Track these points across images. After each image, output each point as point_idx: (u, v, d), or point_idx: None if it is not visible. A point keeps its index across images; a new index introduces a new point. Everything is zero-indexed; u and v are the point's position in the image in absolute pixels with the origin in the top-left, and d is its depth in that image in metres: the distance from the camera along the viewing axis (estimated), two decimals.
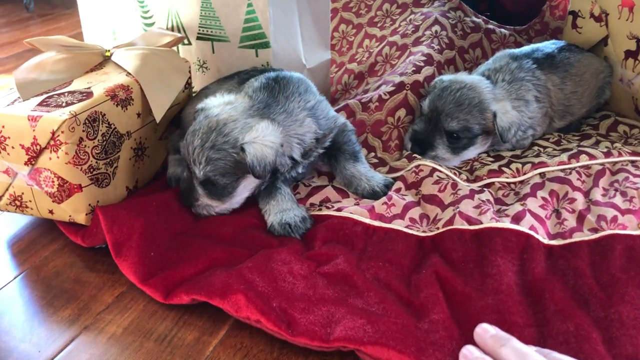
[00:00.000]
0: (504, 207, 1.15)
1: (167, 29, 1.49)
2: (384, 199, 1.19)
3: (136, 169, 1.28)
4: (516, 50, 1.48)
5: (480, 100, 1.30)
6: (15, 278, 1.10)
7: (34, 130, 1.08)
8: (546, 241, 1.06)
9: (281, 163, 1.15)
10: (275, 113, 1.14)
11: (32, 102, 1.14)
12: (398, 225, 1.13)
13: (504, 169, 1.28)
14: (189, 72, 1.39)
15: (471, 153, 1.36)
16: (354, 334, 0.85)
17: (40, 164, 1.11)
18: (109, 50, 1.35)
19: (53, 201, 1.14)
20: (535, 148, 1.37)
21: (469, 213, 1.12)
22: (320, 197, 1.23)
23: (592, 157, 1.27)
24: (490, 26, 1.75)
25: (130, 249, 1.05)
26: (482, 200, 1.15)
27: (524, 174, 1.26)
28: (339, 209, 1.17)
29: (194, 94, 1.44)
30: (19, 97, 1.16)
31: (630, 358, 0.82)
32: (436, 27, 1.65)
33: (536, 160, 1.29)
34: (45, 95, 1.17)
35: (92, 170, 1.14)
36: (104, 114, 1.15)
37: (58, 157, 1.09)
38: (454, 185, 1.21)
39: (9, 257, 1.16)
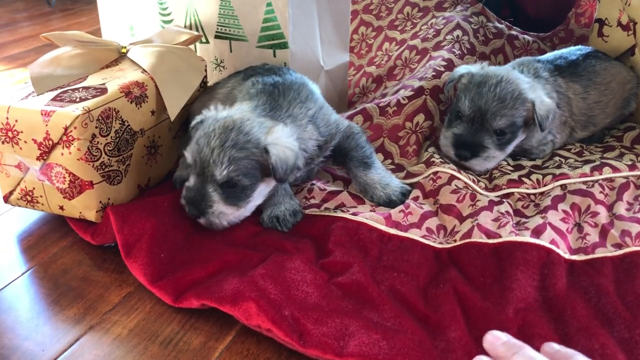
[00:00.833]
0: (523, 220, 1.12)
1: (185, 26, 1.48)
2: (400, 206, 1.16)
3: (149, 167, 1.26)
4: (539, 57, 1.44)
5: (520, 92, 1.25)
6: (23, 274, 1.08)
7: (46, 125, 1.07)
8: (567, 256, 1.02)
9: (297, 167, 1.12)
10: (282, 117, 1.11)
11: (46, 96, 1.13)
12: (414, 234, 1.10)
13: (524, 179, 1.25)
14: (205, 70, 1.38)
15: (513, 146, 1.31)
16: (369, 350, 0.82)
17: (52, 159, 1.10)
18: (125, 47, 1.34)
19: (64, 197, 1.13)
20: (557, 159, 1.33)
21: (487, 226, 1.08)
22: (335, 203, 1.21)
23: (615, 169, 1.23)
24: (514, 32, 1.71)
25: (140, 250, 1.03)
26: (501, 213, 1.12)
27: (545, 185, 1.22)
28: (355, 214, 1.14)
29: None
30: (33, 92, 1.15)
31: None
32: (458, 32, 1.62)
33: (557, 171, 1.25)
34: (59, 90, 1.15)
35: (104, 167, 1.12)
36: (118, 111, 1.14)
37: (70, 153, 1.08)
38: (473, 196, 1.18)
39: (18, 252, 1.15)
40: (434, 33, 1.64)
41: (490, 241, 1.05)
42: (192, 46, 1.49)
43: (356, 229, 1.10)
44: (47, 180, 1.13)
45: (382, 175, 1.23)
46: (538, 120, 1.25)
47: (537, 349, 0.75)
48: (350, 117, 1.41)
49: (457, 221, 1.13)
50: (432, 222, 1.13)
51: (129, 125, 1.17)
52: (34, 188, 1.15)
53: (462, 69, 1.35)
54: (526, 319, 0.87)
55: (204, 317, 0.96)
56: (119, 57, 1.33)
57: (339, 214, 1.15)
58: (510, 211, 1.14)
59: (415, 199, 1.20)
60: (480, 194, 1.20)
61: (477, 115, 1.26)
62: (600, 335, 0.84)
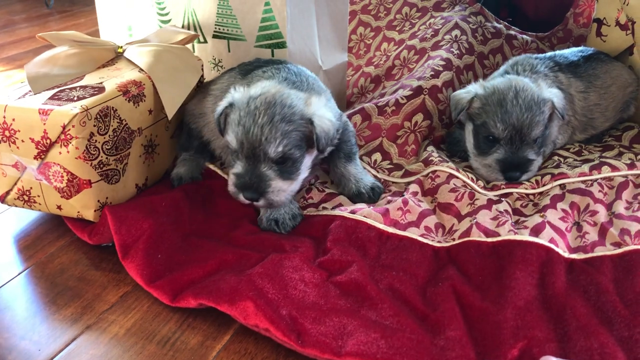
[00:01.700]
0: (522, 219, 1.11)
1: (183, 26, 1.47)
2: (399, 204, 1.15)
3: (146, 167, 1.25)
4: (536, 55, 1.43)
5: (537, 95, 1.24)
6: (20, 274, 1.08)
7: (44, 123, 1.07)
8: (567, 255, 1.02)
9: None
10: (308, 89, 1.13)
11: (43, 95, 1.13)
12: (413, 233, 1.09)
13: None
14: (202, 70, 1.37)
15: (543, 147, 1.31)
16: (367, 349, 0.81)
17: (49, 158, 1.10)
18: (121, 47, 1.33)
19: (62, 196, 1.12)
20: (556, 158, 1.33)
21: (486, 225, 1.08)
22: (333, 204, 1.20)
23: (614, 168, 1.22)
24: (512, 32, 1.71)
25: (137, 251, 1.02)
26: (500, 211, 1.11)
27: (544, 185, 1.22)
28: (353, 211, 1.14)
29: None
30: (29, 91, 1.15)
31: None
32: (456, 32, 1.61)
33: (556, 171, 1.25)
34: (56, 90, 1.15)
35: (102, 165, 1.12)
36: (116, 110, 1.13)
37: (68, 152, 1.07)
38: (471, 195, 1.17)
39: (15, 252, 1.14)
40: (432, 33, 1.64)
41: (489, 240, 1.04)
42: (189, 46, 1.48)
43: (354, 227, 1.09)
44: (44, 179, 1.12)
45: (358, 171, 1.24)
46: (560, 113, 1.25)
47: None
48: (349, 117, 1.41)
49: (456, 220, 1.12)
50: (431, 221, 1.13)
51: (126, 124, 1.17)
52: (31, 188, 1.15)
53: (463, 94, 1.31)
54: (525, 319, 0.87)
55: (201, 316, 0.95)
56: (116, 56, 1.33)
57: (337, 212, 1.15)
58: (509, 210, 1.14)
59: (414, 194, 1.20)
60: (479, 192, 1.19)
61: (513, 133, 1.23)
62: (599, 334, 0.83)
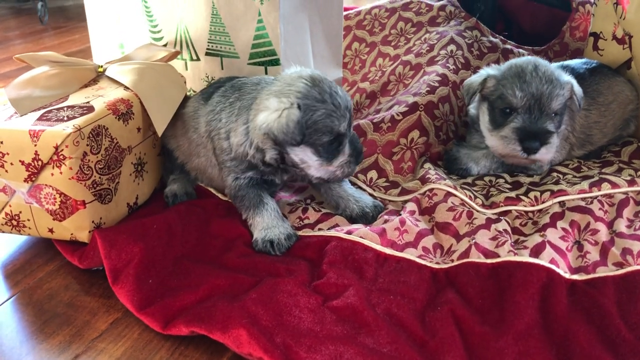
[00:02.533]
0: (522, 238, 1.09)
1: (176, 43, 1.46)
2: (397, 223, 1.13)
3: (136, 185, 1.24)
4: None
5: (556, 74, 1.23)
6: (6, 301, 1.05)
7: (35, 145, 1.05)
8: (568, 276, 0.99)
9: None
10: None
11: (30, 117, 1.11)
12: (410, 254, 1.07)
13: (522, 197, 1.22)
14: (186, 86, 1.36)
15: (560, 133, 1.28)
16: None
17: (41, 180, 1.07)
18: (101, 66, 1.32)
19: (54, 219, 1.10)
20: (554, 175, 1.31)
21: (485, 245, 1.06)
22: (329, 224, 1.18)
23: (614, 185, 1.20)
24: (508, 46, 1.70)
25: (128, 276, 1.00)
26: (499, 231, 1.09)
27: (543, 202, 1.20)
28: (349, 232, 1.12)
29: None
30: (15, 113, 1.13)
31: None
32: (452, 47, 1.60)
33: (555, 187, 1.22)
34: (43, 110, 1.13)
35: (95, 185, 1.10)
36: (107, 128, 1.12)
37: (61, 173, 1.06)
38: (470, 213, 1.15)
39: (1, 278, 1.11)
40: (428, 48, 1.63)
41: (489, 261, 1.02)
42: (183, 62, 1.47)
43: (351, 248, 1.07)
44: (35, 202, 1.10)
45: (354, 190, 1.23)
46: (578, 100, 1.23)
47: None
48: None
49: (454, 240, 1.10)
50: (429, 241, 1.11)
51: (117, 142, 1.15)
52: (20, 212, 1.12)
53: (474, 77, 1.31)
54: (527, 345, 0.84)
55: (193, 344, 0.92)
56: (97, 76, 1.31)
57: (333, 233, 1.13)
58: (509, 229, 1.11)
59: (412, 213, 1.17)
60: (478, 211, 1.17)
61: (532, 102, 1.20)
62: None
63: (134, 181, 1.23)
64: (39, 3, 3.42)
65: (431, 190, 1.22)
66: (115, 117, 1.15)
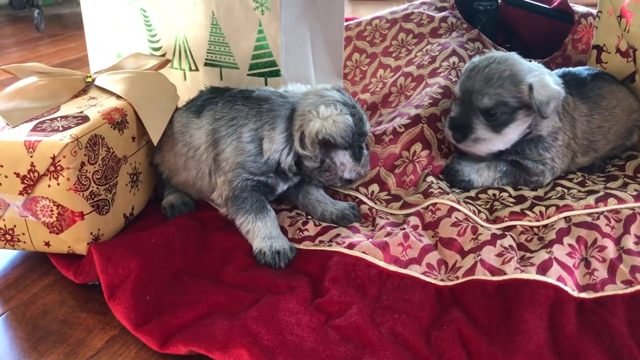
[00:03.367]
0: (528, 255, 1.07)
1: (175, 53, 1.44)
2: (400, 238, 1.10)
3: (132, 195, 1.22)
4: (549, 71, 1.39)
5: (512, 73, 1.24)
6: None
7: (31, 156, 1.02)
8: (576, 294, 0.97)
9: None
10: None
11: (24, 127, 1.08)
12: (414, 271, 1.05)
13: (527, 211, 1.20)
14: (177, 94, 1.34)
15: (514, 131, 1.28)
16: None
17: (37, 192, 1.05)
18: (89, 76, 1.30)
19: (51, 232, 1.07)
20: (559, 189, 1.29)
21: (491, 262, 1.03)
22: (330, 236, 1.16)
23: (621, 200, 1.18)
24: None
25: (124, 292, 0.97)
26: (505, 247, 1.07)
27: (548, 217, 1.17)
28: (351, 246, 1.09)
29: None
30: (7, 124, 1.10)
31: None
32: (454, 59, 1.59)
33: (560, 202, 1.20)
34: (36, 121, 1.11)
35: (93, 196, 1.08)
36: (103, 137, 1.10)
37: (58, 184, 1.03)
38: (474, 229, 1.13)
39: None
40: (430, 60, 1.61)
41: (495, 278, 1.00)
42: (181, 73, 1.45)
43: (353, 264, 1.05)
44: (31, 215, 1.07)
45: (327, 195, 1.26)
46: (536, 104, 1.22)
47: None
48: None
49: (459, 256, 1.08)
50: (433, 257, 1.08)
51: (113, 152, 1.14)
52: (14, 226, 1.09)
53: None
54: None
55: None
56: (86, 86, 1.29)
57: (334, 247, 1.10)
58: (514, 245, 1.09)
59: (415, 227, 1.15)
60: (482, 226, 1.15)
61: (465, 96, 1.28)
62: None
63: (130, 191, 1.21)
64: (35, 11, 3.40)
65: (434, 204, 1.20)
66: (111, 127, 1.13)
